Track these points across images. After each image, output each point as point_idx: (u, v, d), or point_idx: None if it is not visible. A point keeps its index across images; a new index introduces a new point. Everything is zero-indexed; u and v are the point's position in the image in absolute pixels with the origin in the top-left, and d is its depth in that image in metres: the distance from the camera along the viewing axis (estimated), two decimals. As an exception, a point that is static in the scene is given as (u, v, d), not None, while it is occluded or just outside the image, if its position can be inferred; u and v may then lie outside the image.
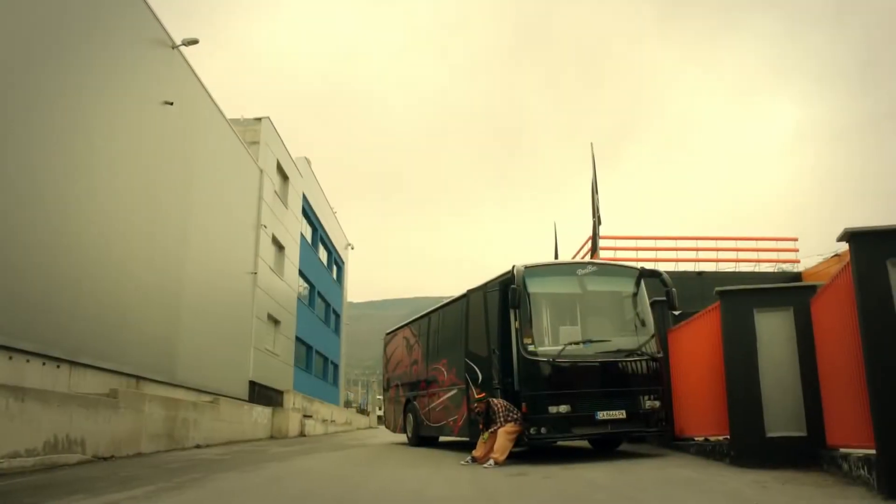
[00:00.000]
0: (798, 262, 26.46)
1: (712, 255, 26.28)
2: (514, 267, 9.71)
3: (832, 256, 25.38)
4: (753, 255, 26.70)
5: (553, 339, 9.61)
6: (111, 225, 13.80)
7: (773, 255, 26.83)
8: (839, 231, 5.85)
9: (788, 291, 8.36)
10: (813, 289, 8.03)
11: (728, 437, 8.48)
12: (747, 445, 7.85)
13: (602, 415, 9.06)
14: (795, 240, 28.01)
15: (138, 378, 14.51)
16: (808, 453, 7.40)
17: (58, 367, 11.58)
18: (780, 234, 28.59)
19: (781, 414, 7.77)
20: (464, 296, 11.64)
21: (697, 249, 26.41)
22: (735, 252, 26.69)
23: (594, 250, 17.05)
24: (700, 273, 23.19)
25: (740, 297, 8.32)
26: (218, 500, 6.55)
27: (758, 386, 7.86)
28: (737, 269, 26.39)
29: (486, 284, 10.78)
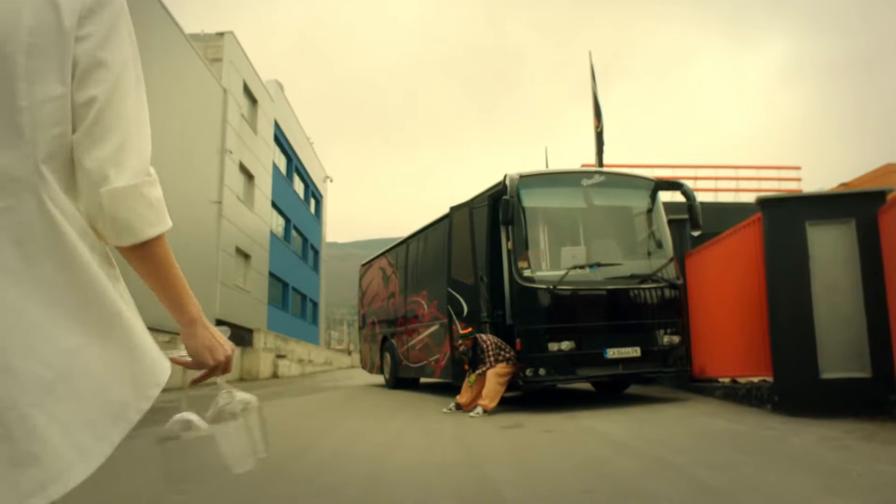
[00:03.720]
0: (801, 192, 25.05)
1: (710, 184, 24.83)
2: (506, 176, 7.96)
3: (838, 186, 23.96)
4: (755, 185, 25.29)
5: (553, 262, 7.97)
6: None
7: (776, 185, 25.42)
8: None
9: (849, 200, 6.72)
10: (882, 196, 6.41)
11: (766, 378, 6.99)
12: (796, 389, 6.35)
13: (612, 352, 7.50)
14: (798, 168, 26.58)
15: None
16: (873, 399, 5.91)
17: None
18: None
19: (839, 351, 6.25)
20: (446, 215, 9.90)
21: (696, 178, 24.86)
22: (735, 181, 25.24)
23: (600, 151, 15.10)
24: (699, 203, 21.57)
25: (789, 208, 6.71)
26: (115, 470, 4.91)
27: (810, 317, 6.31)
28: (737, 200, 24.86)
29: (472, 200, 9.04)
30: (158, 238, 1.11)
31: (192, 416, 1.26)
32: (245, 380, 19.19)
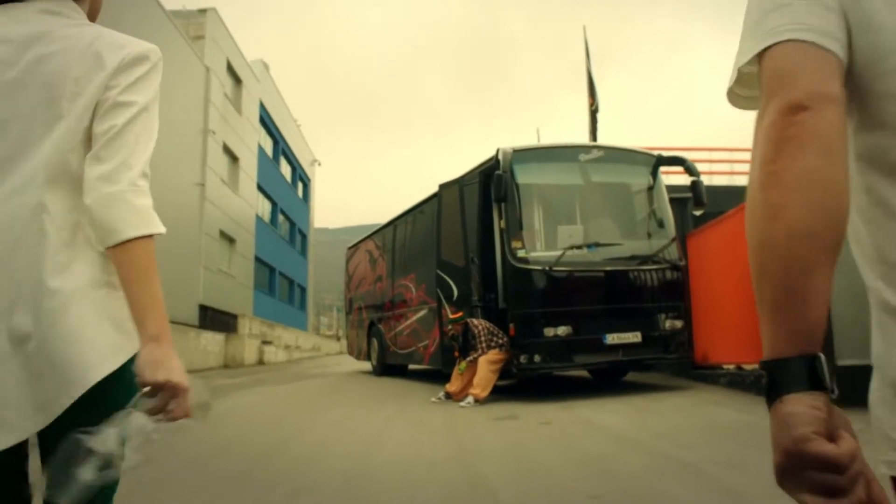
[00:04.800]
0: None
1: (705, 167, 24.46)
2: (499, 150, 7.48)
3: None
4: (749, 168, 24.98)
5: (549, 242, 7.54)
6: None
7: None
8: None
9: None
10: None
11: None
12: (810, 377, 5.90)
13: (612, 338, 7.08)
14: (794, 151, 26.31)
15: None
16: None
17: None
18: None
19: (856, 336, 5.80)
20: (435, 194, 9.41)
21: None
22: (730, 164, 24.88)
23: (594, 129, 14.63)
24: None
25: (802, 183, 6.22)
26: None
27: (825, 299, 5.86)
28: (732, 183, 24.47)
29: (462, 177, 8.56)
30: (141, 242, 1.14)
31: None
32: (229, 367, 18.72)
